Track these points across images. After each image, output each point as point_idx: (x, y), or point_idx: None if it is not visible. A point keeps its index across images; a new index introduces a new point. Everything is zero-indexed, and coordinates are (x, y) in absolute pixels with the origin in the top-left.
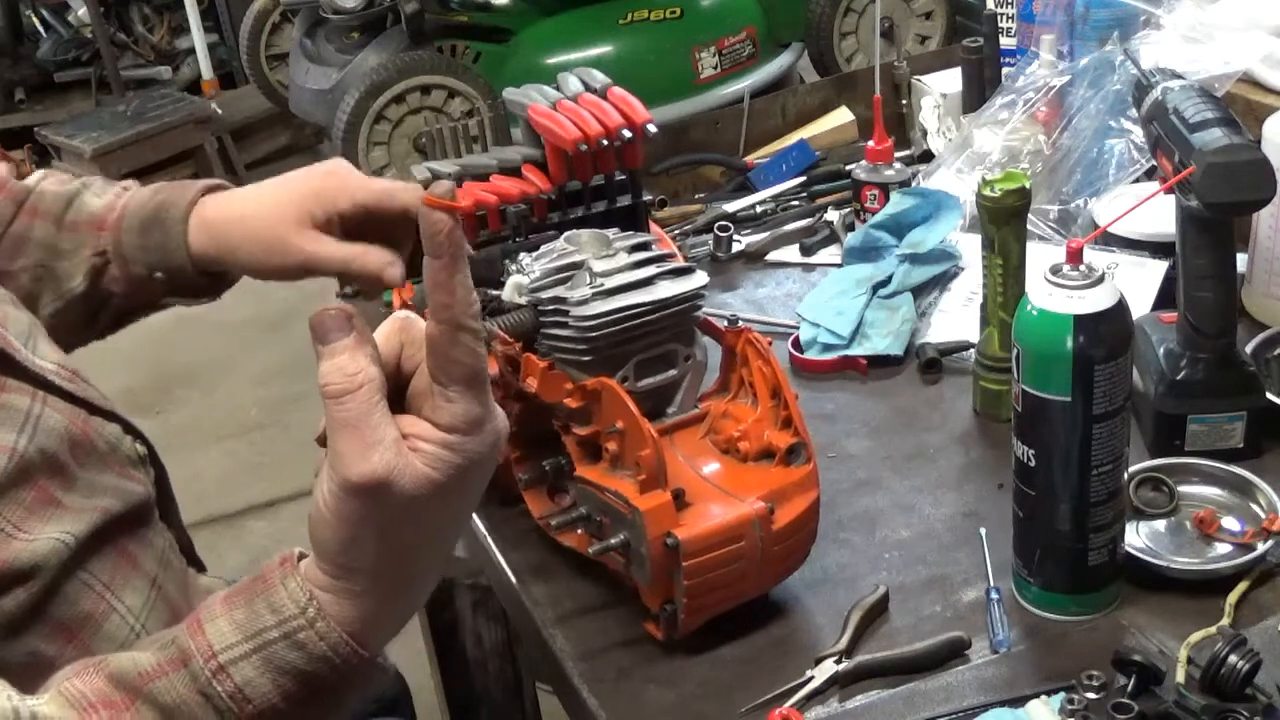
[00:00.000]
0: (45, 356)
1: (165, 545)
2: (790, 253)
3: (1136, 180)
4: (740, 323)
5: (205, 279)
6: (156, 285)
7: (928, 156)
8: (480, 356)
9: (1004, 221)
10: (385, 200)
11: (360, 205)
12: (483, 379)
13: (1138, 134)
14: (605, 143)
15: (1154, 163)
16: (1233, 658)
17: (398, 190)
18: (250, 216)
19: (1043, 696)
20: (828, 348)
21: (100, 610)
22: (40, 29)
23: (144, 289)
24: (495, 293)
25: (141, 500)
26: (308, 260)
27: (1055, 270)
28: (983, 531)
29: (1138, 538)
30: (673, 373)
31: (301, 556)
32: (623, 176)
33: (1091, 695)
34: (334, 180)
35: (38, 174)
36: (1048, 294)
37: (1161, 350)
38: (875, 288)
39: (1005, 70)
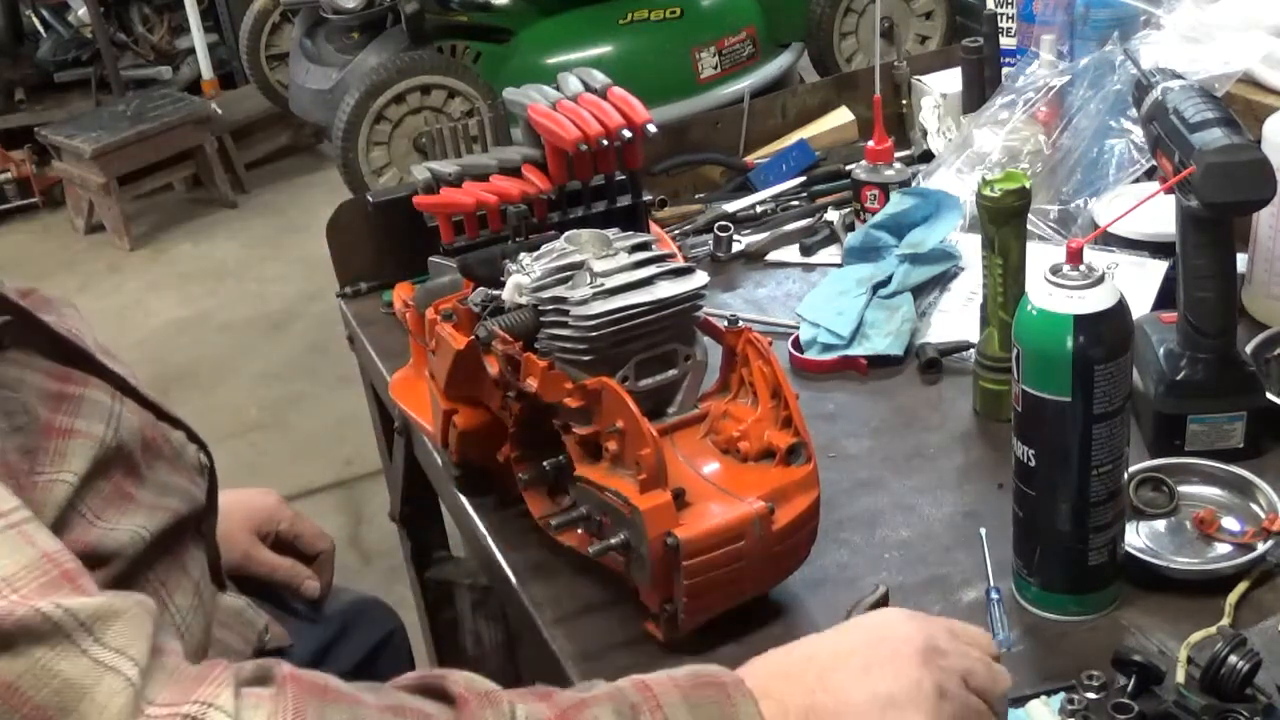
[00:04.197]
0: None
1: (205, 558)
2: (790, 253)
3: (1136, 180)
4: (740, 323)
5: None
6: None
7: (928, 156)
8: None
9: (1004, 221)
10: (308, 537)
11: (290, 533)
12: None
13: (1138, 134)
14: (605, 143)
15: (1154, 163)
16: (1233, 658)
17: (317, 538)
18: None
19: (1043, 696)
20: (828, 348)
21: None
22: (40, 29)
23: None
24: (495, 293)
25: (201, 508)
26: (244, 556)
27: (1055, 270)
28: (983, 531)
29: (1138, 538)
30: (673, 373)
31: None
32: (623, 176)
33: (1091, 695)
34: (274, 507)
35: None
36: (1048, 294)
37: (1161, 350)
38: (875, 288)
39: (1005, 70)
